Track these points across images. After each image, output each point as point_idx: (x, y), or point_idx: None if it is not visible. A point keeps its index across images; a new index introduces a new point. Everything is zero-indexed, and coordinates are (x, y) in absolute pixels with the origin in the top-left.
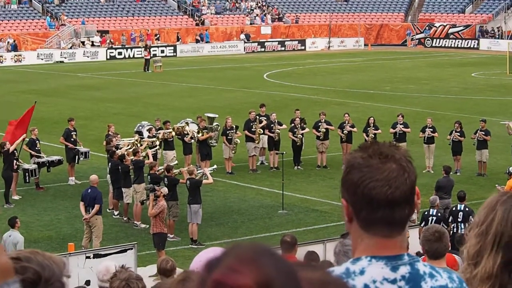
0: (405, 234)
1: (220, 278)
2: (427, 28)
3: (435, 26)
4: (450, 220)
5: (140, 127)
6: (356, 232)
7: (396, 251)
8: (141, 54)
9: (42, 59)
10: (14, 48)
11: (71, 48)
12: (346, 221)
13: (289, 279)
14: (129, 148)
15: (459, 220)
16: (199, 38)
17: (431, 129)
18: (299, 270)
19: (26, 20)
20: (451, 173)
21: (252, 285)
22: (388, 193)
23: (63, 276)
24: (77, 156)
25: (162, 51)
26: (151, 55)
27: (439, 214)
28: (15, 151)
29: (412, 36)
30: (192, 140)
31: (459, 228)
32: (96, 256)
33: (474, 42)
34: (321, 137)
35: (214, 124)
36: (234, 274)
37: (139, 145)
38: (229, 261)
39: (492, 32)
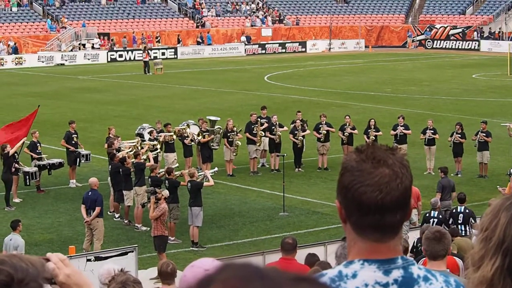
0: (400, 238)
1: None
2: (427, 29)
3: (436, 28)
4: (450, 222)
5: (141, 130)
6: (350, 234)
7: (389, 254)
8: (142, 56)
9: (43, 62)
10: (15, 50)
11: (71, 50)
12: (342, 222)
13: None
14: (130, 151)
15: (459, 222)
16: (200, 40)
17: (432, 131)
18: None
19: (27, 22)
20: (452, 174)
21: None
22: (378, 199)
23: (40, 277)
24: (78, 159)
25: (163, 54)
26: (150, 57)
27: (440, 216)
28: (15, 154)
29: (413, 37)
30: (192, 143)
31: (460, 230)
32: (97, 258)
33: (475, 43)
34: (322, 139)
35: (216, 127)
36: None
37: (140, 147)
38: None
39: (490, 34)
